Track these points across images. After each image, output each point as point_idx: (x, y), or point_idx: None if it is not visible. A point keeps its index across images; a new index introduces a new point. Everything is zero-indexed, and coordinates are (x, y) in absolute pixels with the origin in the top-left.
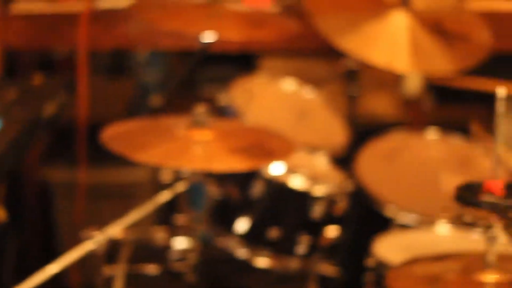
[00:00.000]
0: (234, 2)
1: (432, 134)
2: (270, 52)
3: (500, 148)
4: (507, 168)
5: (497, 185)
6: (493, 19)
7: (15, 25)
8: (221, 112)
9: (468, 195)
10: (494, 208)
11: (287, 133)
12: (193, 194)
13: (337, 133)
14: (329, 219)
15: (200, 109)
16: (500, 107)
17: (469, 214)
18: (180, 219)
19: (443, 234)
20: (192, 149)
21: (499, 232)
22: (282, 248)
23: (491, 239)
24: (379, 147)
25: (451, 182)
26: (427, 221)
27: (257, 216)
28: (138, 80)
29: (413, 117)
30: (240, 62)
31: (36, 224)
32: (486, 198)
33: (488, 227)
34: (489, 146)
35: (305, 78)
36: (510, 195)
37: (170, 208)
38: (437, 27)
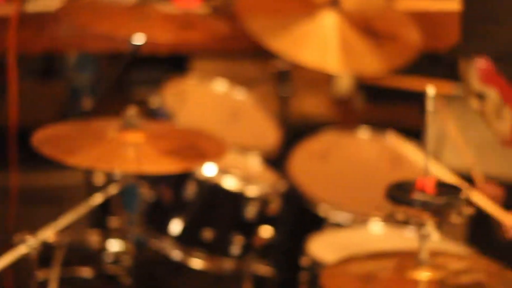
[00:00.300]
0: (164, 3)
1: (363, 133)
2: (201, 54)
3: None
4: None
5: (428, 183)
6: (422, 18)
7: None
8: (153, 114)
9: (400, 193)
10: (426, 207)
11: (219, 134)
12: (126, 196)
13: (269, 134)
14: (262, 219)
15: (131, 112)
16: (430, 105)
17: (401, 213)
18: (114, 221)
19: (376, 233)
20: (124, 151)
21: (431, 230)
22: (216, 249)
23: (424, 237)
24: (311, 147)
25: (382, 180)
26: (360, 220)
27: (190, 217)
28: (69, 83)
29: (344, 117)
30: (171, 64)
31: None
32: (418, 196)
33: (420, 225)
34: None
35: (236, 79)
36: (441, 193)
37: (103, 210)
38: (366, 27)
